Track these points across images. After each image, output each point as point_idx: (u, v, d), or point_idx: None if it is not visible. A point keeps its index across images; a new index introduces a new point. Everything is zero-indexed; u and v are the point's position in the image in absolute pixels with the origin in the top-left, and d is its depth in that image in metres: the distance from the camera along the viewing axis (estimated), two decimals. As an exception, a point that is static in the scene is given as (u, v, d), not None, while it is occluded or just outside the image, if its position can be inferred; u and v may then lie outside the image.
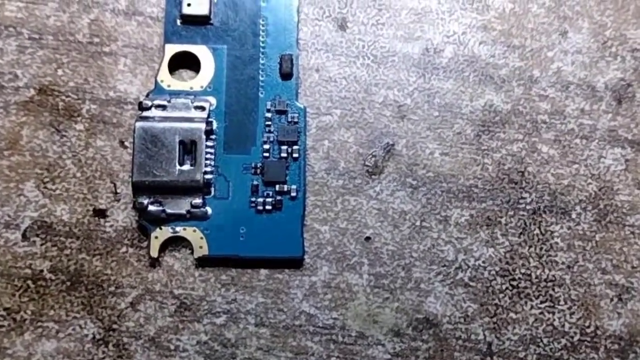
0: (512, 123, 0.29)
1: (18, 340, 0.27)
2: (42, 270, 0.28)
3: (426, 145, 0.29)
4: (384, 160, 0.29)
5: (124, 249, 0.28)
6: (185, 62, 0.29)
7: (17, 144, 0.29)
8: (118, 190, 0.28)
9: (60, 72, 0.29)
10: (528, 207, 0.29)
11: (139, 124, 0.27)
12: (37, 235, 0.28)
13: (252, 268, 0.28)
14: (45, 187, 0.28)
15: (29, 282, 0.27)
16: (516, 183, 0.29)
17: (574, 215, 0.29)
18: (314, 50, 0.30)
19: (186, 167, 0.27)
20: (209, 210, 0.28)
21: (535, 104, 0.30)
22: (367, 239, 0.28)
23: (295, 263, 0.28)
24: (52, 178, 0.28)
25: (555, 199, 0.29)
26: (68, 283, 0.27)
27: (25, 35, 0.29)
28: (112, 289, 0.27)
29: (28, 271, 0.28)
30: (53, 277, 0.28)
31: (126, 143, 0.29)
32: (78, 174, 0.28)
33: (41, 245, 0.28)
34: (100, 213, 0.28)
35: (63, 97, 0.29)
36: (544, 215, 0.29)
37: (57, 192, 0.28)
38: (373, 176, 0.29)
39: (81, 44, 0.29)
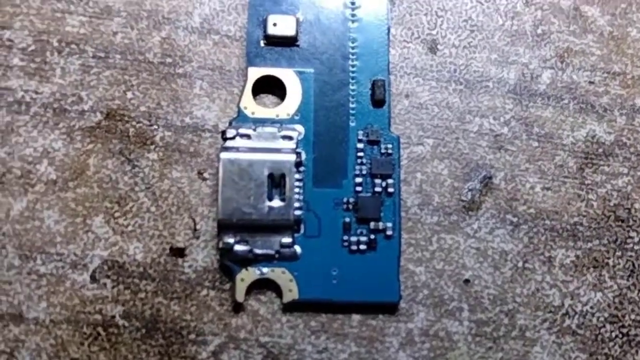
0: (616, 155, 0.27)
1: (88, 393, 0.25)
2: (113, 316, 0.25)
3: (526, 178, 0.27)
4: (481, 195, 0.27)
5: (204, 292, 0.25)
6: (267, 87, 0.27)
7: (84, 174, 0.26)
8: (197, 227, 0.26)
9: (129, 94, 0.27)
10: (636, 247, 0.27)
11: (224, 156, 0.25)
12: (108, 277, 0.25)
13: (344, 313, 0.26)
14: (116, 223, 0.26)
15: (100, 329, 0.25)
16: (623, 221, 0.27)
17: (684, 256, 0.27)
18: (403, 75, 0.28)
19: (276, 202, 0.25)
20: (298, 249, 0.25)
21: (640, 135, 0.28)
22: (466, 281, 0.26)
23: (391, 308, 0.26)
24: (124, 212, 0.26)
25: (665, 238, 0.27)
26: (143, 330, 0.25)
27: (90, 54, 0.27)
28: (192, 336, 0.25)
29: (98, 317, 0.25)
30: (126, 324, 0.25)
31: (205, 174, 0.26)
32: (152, 208, 0.26)
33: (112, 287, 0.25)
34: (178, 252, 0.25)
35: (134, 123, 0.26)
36: (653, 256, 0.27)
37: (130, 228, 0.26)
38: (470, 212, 0.27)
39: (152, 64, 0.27)
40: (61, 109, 0.26)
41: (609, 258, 0.27)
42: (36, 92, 0.26)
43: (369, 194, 0.26)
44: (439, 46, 0.28)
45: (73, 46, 0.27)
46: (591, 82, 0.28)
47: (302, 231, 0.25)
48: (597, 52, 0.28)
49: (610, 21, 0.29)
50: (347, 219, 0.26)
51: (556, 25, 0.29)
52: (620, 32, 0.29)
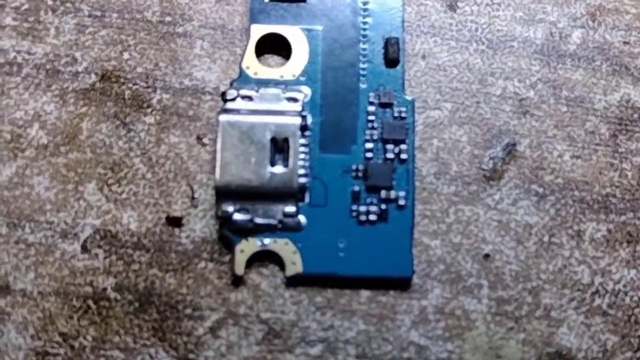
0: (654, 122, 0.25)
1: (77, 370, 0.23)
2: (105, 289, 0.23)
3: (554, 146, 0.25)
4: (504, 164, 0.25)
5: (202, 264, 0.24)
6: (272, 47, 0.25)
7: (76, 138, 0.24)
8: (195, 195, 0.24)
9: (126, 55, 0.25)
10: (675, 221, 0.24)
11: (223, 118, 0.23)
12: (100, 247, 0.24)
13: (352, 288, 0.24)
14: (110, 190, 0.24)
15: (90, 302, 0.23)
16: (660, 192, 0.25)
17: None
18: (419, 34, 0.26)
19: (278, 168, 0.23)
20: (303, 220, 0.23)
21: (680, 99, 0.25)
22: (486, 256, 0.24)
23: (403, 284, 0.24)
24: (118, 179, 0.24)
25: None
26: (136, 304, 0.23)
27: (85, 12, 0.25)
28: (188, 311, 0.23)
29: (89, 289, 0.23)
30: (118, 297, 0.23)
31: (205, 140, 0.24)
32: (148, 175, 0.24)
33: (104, 258, 0.24)
34: (175, 221, 0.24)
35: (130, 85, 0.25)
36: (694, 231, 0.24)
37: (124, 196, 0.24)
38: (491, 182, 0.25)
39: (150, 24, 0.25)
40: (54, 70, 0.25)
41: (644, 233, 0.24)
42: (29, 53, 0.25)
43: (380, 161, 0.24)
44: (459, 3, 0.26)
45: (68, 4, 0.25)
46: (626, 43, 0.26)
47: (307, 200, 0.23)
48: (632, 10, 0.26)
49: (647, -24, 0.26)
50: (356, 188, 0.24)
51: (588, -20, 0.26)
52: (659, -12, 0.26)
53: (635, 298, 0.24)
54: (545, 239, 0.24)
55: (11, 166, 0.24)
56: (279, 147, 0.23)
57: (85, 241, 0.24)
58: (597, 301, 0.24)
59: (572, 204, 0.24)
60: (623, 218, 0.24)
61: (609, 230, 0.24)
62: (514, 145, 0.25)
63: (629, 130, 0.25)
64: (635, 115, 0.25)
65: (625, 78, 0.26)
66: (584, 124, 0.25)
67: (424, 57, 0.26)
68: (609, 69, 0.26)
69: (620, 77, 0.26)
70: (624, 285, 0.24)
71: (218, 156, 0.23)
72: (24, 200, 0.24)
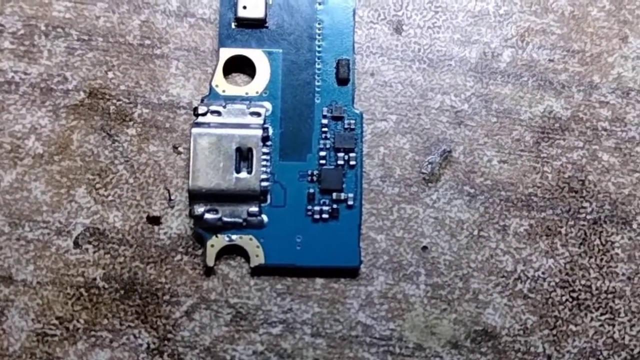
0: (572, 130, 0.29)
1: (71, 349, 0.27)
2: (95, 279, 0.27)
3: (484, 152, 0.29)
4: (440, 168, 0.28)
5: (178, 257, 0.27)
6: (239, 67, 0.28)
7: (68, 148, 0.28)
8: (172, 197, 0.28)
9: (110, 74, 0.29)
10: (588, 216, 0.28)
11: (195, 131, 0.27)
12: (90, 243, 0.27)
13: (308, 277, 0.27)
14: (98, 193, 0.28)
15: (82, 290, 0.27)
16: (576, 192, 0.28)
17: (635, 226, 0.28)
18: (369, 54, 0.29)
19: (243, 174, 0.27)
20: (265, 218, 0.27)
21: (596, 110, 0.29)
22: (424, 248, 0.28)
23: (352, 272, 0.27)
24: (104, 184, 0.28)
25: (616, 208, 0.28)
26: (122, 291, 0.27)
27: (74, 36, 0.29)
28: (166, 297, 0.27)
29: (80, 279, 0.27)
30: (106, 286, 0.27)
31: (180, 148, 0.28)
32: (131, 180, 0.28)
33: (94, 252, 0.27)
34: (154, 220, 0.28)
35: (114, 101, 0.28)
36: (604, 225, 0.28)
37: (110, 198, 0.28)
38: (430, 184, 0.28)
39: (132, 46, 0.29)
40: (48, 88, 0.28)
41: (561, 227, 0.28)
42: (25, 73, 0.29)
43: (332, 167, 0.28)
44: (404, 27, 0.30)
45: (59, 30, 0.29)
46: (550, 60, 0.29)
47: (268, 201, 0.27)
48: (557, 31, 0.30)
49: (571, 1, 0.30)
50: (311, 190, 0.27)
51: (518, 5, 0.30)
52: (581, 11, 0.30)
53: (552, 284, 0.28)
54: (475, 232, 0.28)
55: (12, 173, 0.28)
56: (244, 156, 0.27)
57: (77, 238, 0.27)
58: (519, 286, 0.28)
59: (499, 202, 0.28)
60: (543, 214, 0.28)
61: (531, 225, 0.28)
62: (450, 151, 0.29)
63: (551, 137, 0.29)
64: (557, 125, 0.29)
65: (549, 92, 0.29)
66: (511, 132, 0.29)
67: (372, 74, 0.29)
68: (535, 84, 0.29)
69: (544, 91, 0.29)
70: (543, 273, 0.28)
71: (191, 164, 0.26)
72: (23, 203, 0.28)
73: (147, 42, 0.29)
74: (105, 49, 0.29)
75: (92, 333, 0.27)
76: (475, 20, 0.30)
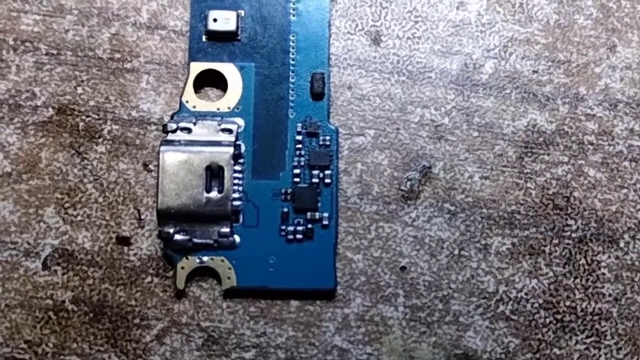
0: (557, 144, 0.28)
1: (40, 373, 0.26)
2: (64, 301, 0.26)
3: (465, 168, 0.28)
4: (420, 185, 0.28)
5: (148, 279, 0.27)
6: (211, 80, 0.28)
7: (36, 166, 0.27)
8: (142, 217, 0.27)
9: (80, 90, 0.28)
10: (574, 235, 0.27)
11: (163, 149, 0.26)
12: (58, 264, 0.27)
13: (282, 299, 0.27)
14: (66, 213, 0.27)
15: (51, 313, 0.26)
16: (561, 209, 0.27)
17: (622, 244, 0.27)
18: (346, 66, 0.28)
19: (213, 194, 0.26)
20: (237, 239, 0.26)
21: (582, 123, 0.28)
22: (403, 268, 0.27)
23: (327, 295, 0.27)
24: (73, 203, 0.27)
25: (603, 226, 0.27)
26: (91, 314, 0.26)
27: (43, 51, 0.28)
28: (136, 320, 0.26)
29: (49, 302, 0.26)
30: (75, 309, 0.26)
31: (150, 166, 0.27)
32: (100, 199, 0.27)
33: (62, 274, 0.27)
34: (124, 241, 0.27)
35: (83, 117, 0.28)
36: (590, 244, 0.27)
37: (79, 218, 0.27)
38: (409, 201, 0.27)
39: (101, 60, 0.28)
40: (16, 104, 0.28)
41: (545, 246, 0.27)
42: (-8, 89, 0.28)
43: (307, 185, 0.27)
44: (382, 37, 0.29)
45: (27, 44, 0.28)
46: (535, 71, 0.28)
47: (241, 221, 0.26)
48: (542, 41, 0.29)
49: (557, 9, 0.29)
50: (285, 209, 0.26)
51: (501, 14, 0.29)
52: (567, 19, 0.29)
53: (536, 305, 0.27)
54: (456, 252, 0.27)
55: (-22, 193, 0.27)
56: (215, 174, 0.26)
57: (45, 259, 0.27)
58: (501, 308, 0.27)
59: (480, 220, 0.27)
60: (526, 233, 0.27)
61: (513, 244, 0.27)
62: (430, 167, 0.28)
63: (534, 152, 0.28)
64: (541, 139, 0.28)
65: (533, 104, 0.28)
66: (493, 147, 0.28)
67: (349, 87, 0.28)
68: (518, 96, 0.28)
69: (528, 103, 0.28)
70: (526, 294, 0.27)
71: (159, 183, 0.26)
72: (-10, 223, 0.27)
73: (117, 55, 0.28)
74: (75, 63, 0.28)
75: (62, 357, 0.26)
76: (457, 30, 0.29)
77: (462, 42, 0.29)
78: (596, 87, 0.28)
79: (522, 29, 0.29)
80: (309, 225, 0.26)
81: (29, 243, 0.27)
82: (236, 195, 0.26)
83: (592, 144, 0.28)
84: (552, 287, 0.27)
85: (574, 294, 0.27)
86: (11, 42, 0.28)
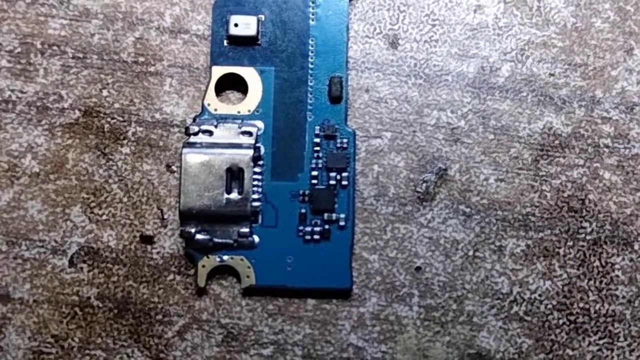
0: (573, 147, 0.28)
1: (67, 366, 0.27)
2: (89, 298, 0.27)
3: (480, 170, 0.28)
4: (436, 186, 0.28)
5: (171, 277, 0.27)
6: (232, 84, 0.28)
7: (63, 167, 0.28)
8: (165, 216, 0.28)
9: (105, 92, 0.29)
10: (588, 237, 0.27)
11: (186, 151, 0.27)
12: (84, 262, 0.28)
13: (299, 298, 0.27)
14: (92, 212, 0.28)
15: (77, 309, 0.27)
16: (576, 212, 0.28)
17: (636, 247, 0.27)
18: (363, 70, 0.29)
19: (234, 195, 0.26)
20: (256, 239, 0.27)
21: (598, 126, 0.28)
22: (418, 269, 0.27)
23: (343, 294, 0.27)
24: (99, 203, 0.28)
25: (617, 228, 0.27)
26: (115, 311, 0.27)
27: (70, 54, 0.29)
28: (159, 317, 0.27)
29: (75, 298, 0.27)
30: (100, 305, 0.27)
31: (173, 167, 0.28)
32: (125, 199, 0.28)
33: (88, 272, 0.28)
34: (147, 239, 0.28)
35: (109, 119, 0.28)
36: (604, 246, 0.27)
37: (104, 217, 0.28)
38: (424, 203, 0.28)
39: (126, 64, 0.29)
40: (44, 107, 0.29)
41: (559, 248, 0.27)
42: (21, 92, 0.29)
43: (324, 187, 0.27)
44: (400, 41, 0.29)
45: (55, 48, 0.29)
46: (551, 74, 0.29)
47: (260, 222, 0.27)
48: (559, 44, 0.29)
49: (574, 12, 0.29)
50: (303, 210, 0.27)
51: (518, 17, 0.29)
52: (584, 22, 0.29)
53: (550, 306, 0.27)
54: (470, 253, 0.27)
55: (9, 192, 0.28)
56: (235, 176, 0.27)
57: (72, 257, 0.28)
58: (515, 308, 0.27)
59: (495, 222, 0.28)
60: (541, 235, 0.28)
61: (528, 246, 0.27)
62: (445, 170, 0.28)
63: (550, 155, 0.28)
64: (556, 142, 0.28)
65: (549, 107, 0.28)
66: (509, 150, 0.28)
67: (367, 90, 0.29)
68: (534, 99, 0.28)
69: (544, 106, 0.28)
70: (540, 295, 0.27)
71: (181, 184, 0.26)
72: (20, 222, 0.28)
73: (141, 59, 0.29)
74: (100, 66, 0.29)
75: (87, 352, 0.27)
76: (474, 33, 0.29)
77: (479, 45, 0.29)
78: (612, 90, 0.28)
79: (539, 32, 0.29)
80: (326, 226, 0.27)
81: (56, 241, 0.28)
82: (255, 196, 0.27)
83: (607, 147, 0.28)
84: (565, 288, 0.27)
85: (588, 296, 0.27)
86: (39, 46, 0.29)
